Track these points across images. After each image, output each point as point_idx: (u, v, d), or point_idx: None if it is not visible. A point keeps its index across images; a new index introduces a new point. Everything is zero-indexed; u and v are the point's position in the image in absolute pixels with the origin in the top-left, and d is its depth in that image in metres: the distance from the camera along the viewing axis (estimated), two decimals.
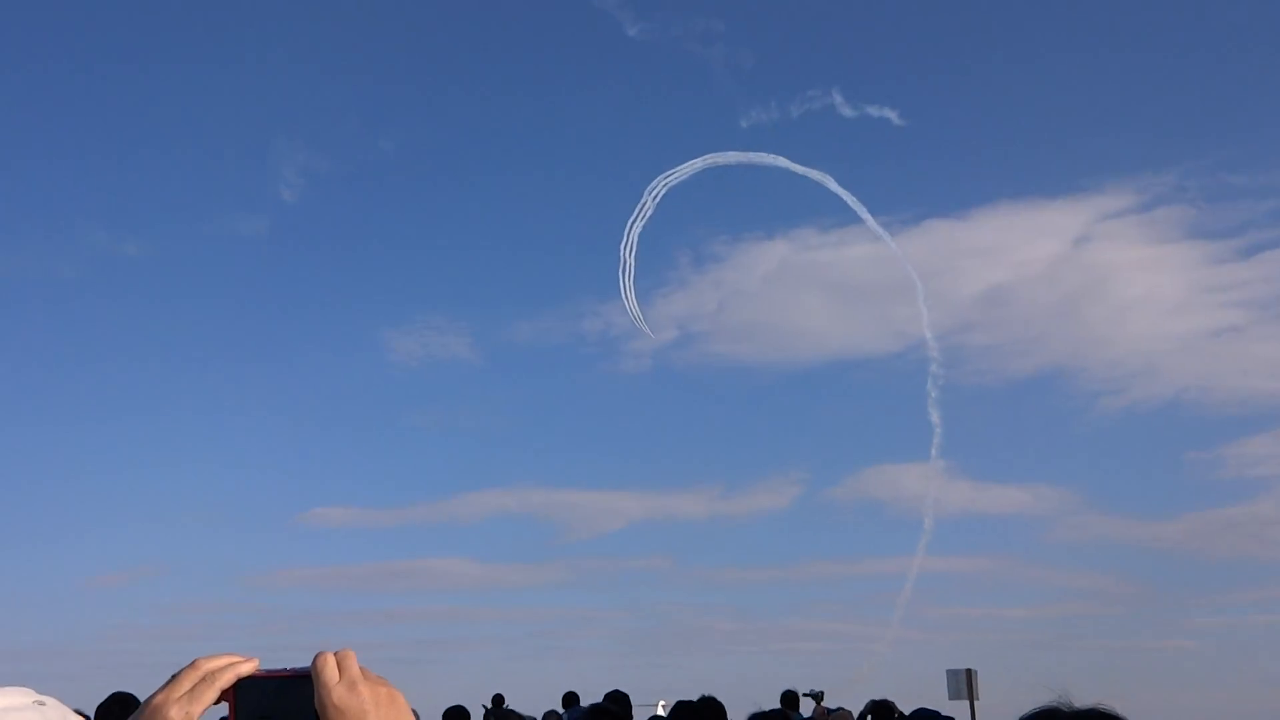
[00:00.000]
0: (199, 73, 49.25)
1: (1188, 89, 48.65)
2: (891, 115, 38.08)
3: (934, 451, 37.95)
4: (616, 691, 13.20)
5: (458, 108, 50.87)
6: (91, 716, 7.35)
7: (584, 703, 17.08)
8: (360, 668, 1.70)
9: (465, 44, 51.30)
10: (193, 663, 1.69)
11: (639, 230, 36.52)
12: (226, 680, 1.67)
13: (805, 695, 19.98)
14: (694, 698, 8.99)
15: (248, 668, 1.69)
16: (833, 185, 36.09)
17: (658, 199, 35.81)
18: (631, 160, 49.69)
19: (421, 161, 50.98)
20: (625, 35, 42.99)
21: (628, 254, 36.12)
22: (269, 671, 1.71)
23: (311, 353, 52.39)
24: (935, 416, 37.49)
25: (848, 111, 37.21)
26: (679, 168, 35.57)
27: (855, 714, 16.69)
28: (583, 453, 53.46)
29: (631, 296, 37.05)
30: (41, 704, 1.60)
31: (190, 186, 50.73)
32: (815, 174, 35.98)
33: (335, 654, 1.71)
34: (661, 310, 44.56)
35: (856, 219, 37.15)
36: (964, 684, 23.82)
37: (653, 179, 35.62)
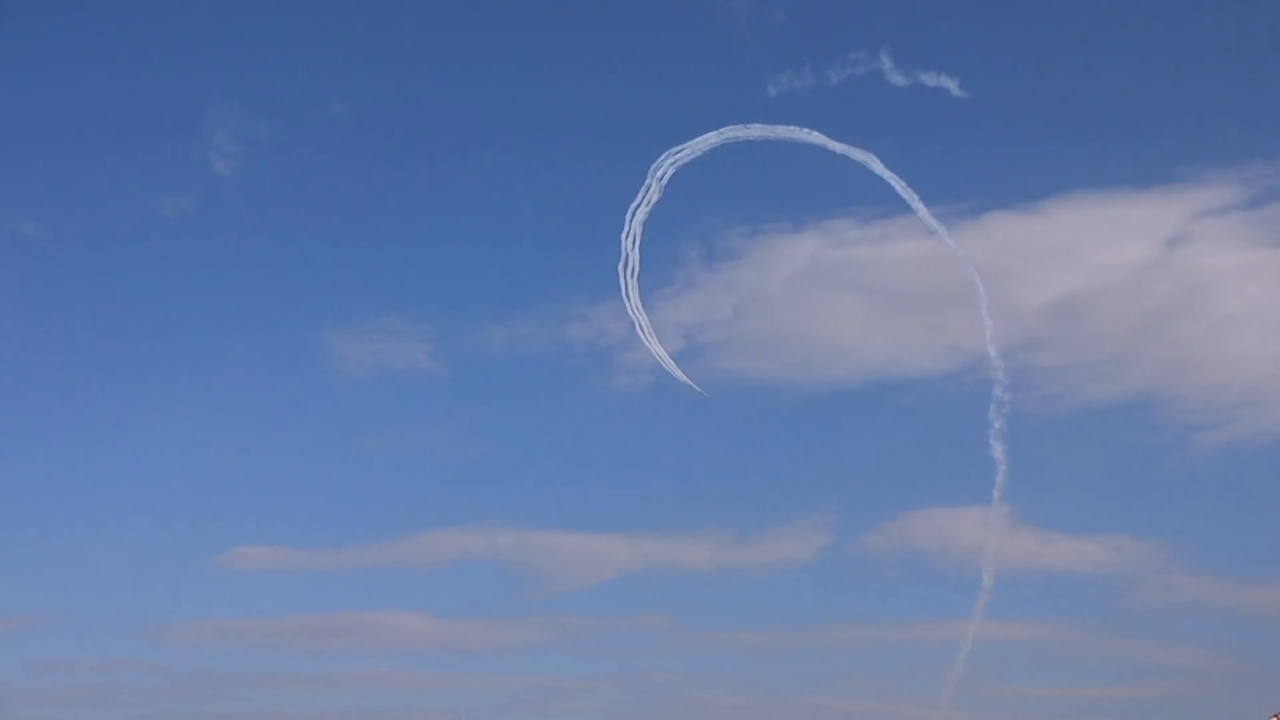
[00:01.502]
0: (116, 26, 43.74)
1: None
2: (950, 85, 36.75)
3: (996, 494, 34.53)
4: None
5: (427, 66, 45.57)
6: None
7: None
8: None
9: None
10: None
11: (643, 218, 32.52)
12: None
13: None
14: None
15: None
16: (877, 167, 31.95)
17: (664, 181, 32.38)
18: (635, 135, 44.70)
19: (381, 130, 45.35)
20: None
21: (630, 246, 32.40)
22: None
23: (239, 358, 46.56)
24: (999, 451, 33.60)
25: (898, 79, 35.28)
26: (690, 142, 32.17)
27: None
28: (567, 487, 47.63)
29: (635, 299, 33.47)
30: None
31: (102, 157, 45.15)
32: (857, 153, 32.21)
33: None
34: (665, 315, 39.44)
35: (905, 209, 33.87)
36: None
37: (659, 156, 31.99)
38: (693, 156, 31.45)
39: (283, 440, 48.30)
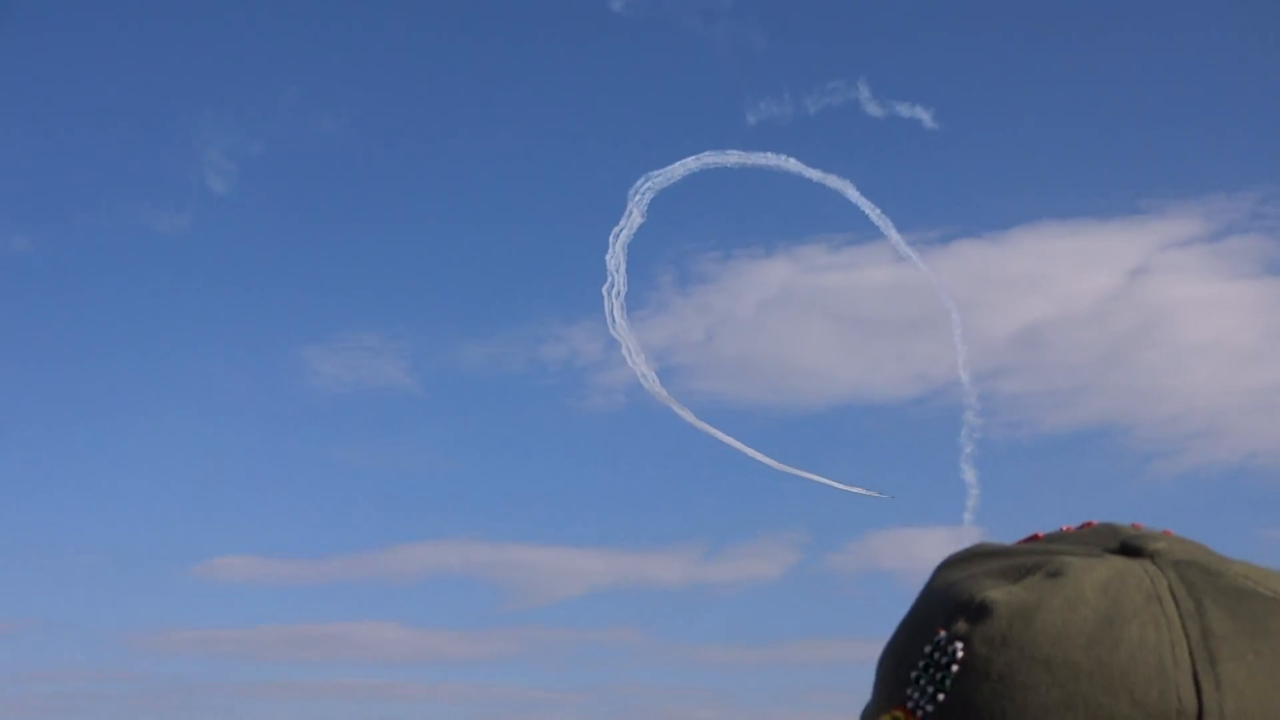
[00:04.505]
0: (107, 37, 43.61)
1: (1270, 101, 44.28)
2: (924, 116, 33.77)
3: (968, 516, 33.73)
4: None
5: (413, 87, 45.15)
6: None
7: None
8: None
9: (424, 14, 46.16)
10: None
11: (626, 240, 32.64)
12: None
13: None
14: None
15: None
16: (852, 194, 31.66)
17: (643, 205, 32.45)
18: (614, 159, 44.14)
19: (368, 149, 44.77)
20: (610, 10, 38.67)
21: (615, 269, 31.88)
22: None
23: (222, 371, 45.92)
24: (970, 475, 32.58)
25: (874, 109, 33.13)
26: (668, 168, 31.64)
27: None
28: (539, 503, 47.38)
29: (623, 322, 32.15)
30: None
31: (94, 171, 44.77)
32: (832, 180, 31.64)
33: None
34: (639, 337, 39.04)
35: (874, 236, 32.65)
36: None
37: (636, 181, 31.58)
38: (670, 181, 31.35)
39: (262, 453, 47.54)
